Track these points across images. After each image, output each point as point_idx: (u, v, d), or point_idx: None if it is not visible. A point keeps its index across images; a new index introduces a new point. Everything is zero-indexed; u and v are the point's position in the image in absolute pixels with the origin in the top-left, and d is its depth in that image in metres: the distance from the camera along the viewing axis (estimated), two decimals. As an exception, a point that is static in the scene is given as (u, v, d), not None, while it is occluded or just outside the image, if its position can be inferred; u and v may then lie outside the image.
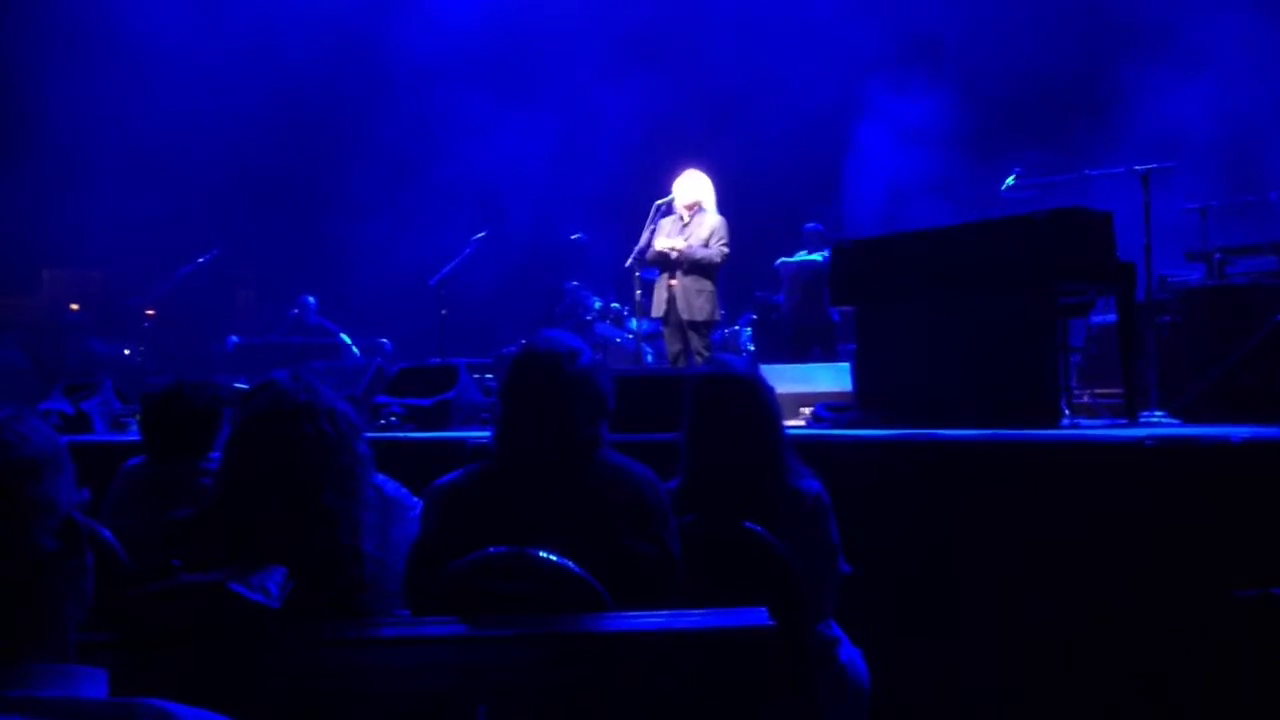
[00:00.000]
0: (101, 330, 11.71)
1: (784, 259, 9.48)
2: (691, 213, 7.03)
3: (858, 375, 5.39)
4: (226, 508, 2.08)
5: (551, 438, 2.33)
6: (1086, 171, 6.07)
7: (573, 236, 9.89)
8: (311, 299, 10.94)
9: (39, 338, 11.47)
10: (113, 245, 11.80)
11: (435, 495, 2.40)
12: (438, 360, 7.57)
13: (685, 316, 6.94)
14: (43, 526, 1.17)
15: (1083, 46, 9.63)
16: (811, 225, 9.59)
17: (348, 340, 10.75)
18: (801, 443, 3.03)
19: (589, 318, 9.70)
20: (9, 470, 1.16)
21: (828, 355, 8.87)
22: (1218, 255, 6.69)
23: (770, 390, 2.90)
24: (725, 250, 6.93)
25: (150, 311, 10.30)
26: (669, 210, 7.15)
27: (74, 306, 12.57)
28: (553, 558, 2.09)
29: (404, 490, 2.77)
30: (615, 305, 9.81)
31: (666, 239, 6.99)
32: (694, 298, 6.92)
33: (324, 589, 1.98)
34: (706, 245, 6.92)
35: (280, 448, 2.05)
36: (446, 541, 2.25)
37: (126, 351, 11.12)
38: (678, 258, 6.91)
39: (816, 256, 9.19)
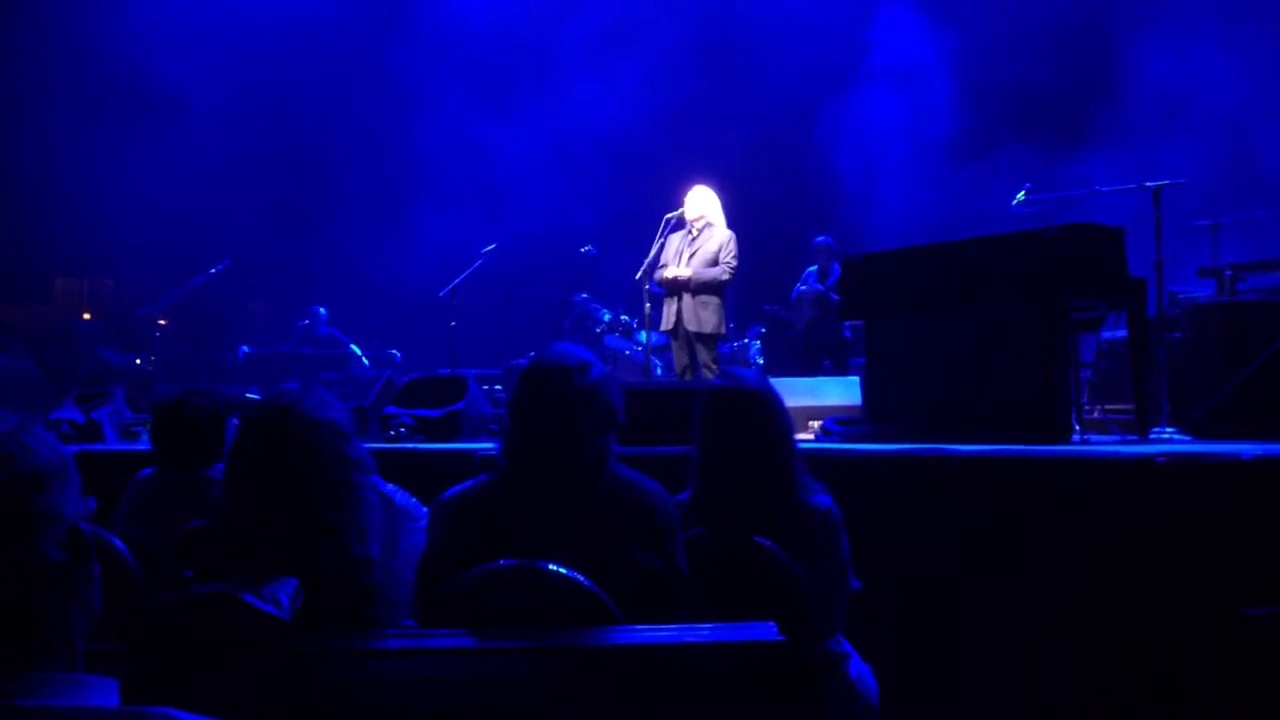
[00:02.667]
0: (113, 340, 11.76)
1: (800, 289, 9.48)
2: (699, 227, 7.04)
3: (867, 389, 5.38)
4: (234, 519, 2.08)
5: (560, 451, 2.32)
6: (1097, 187, 6.05)
7: (583, 249, 9.90)
8: (322, 310, 10.99)
9: (51, 346, 11.52)
10: (125, 255, 11.87)
11: (443, 507, 2.40)
12: (447, 371, 7.59)
13: (692, 329, 6.94)
14: (49, 538, 1.18)
15: (1088, 52, 9.63)
16: (822, 239, 9.59)
17: (358, 351, 10.79)
18: (810, 456, 3.02)
19: (598, 330, 9.72)
20: (15, 482, 1.17)
21: (838, 369, 8.84)
22: (1229, 272, 6.67)
23: (782, 405, 2.90)
24: (733, 265, 6.93)
25: (162, 321, 10.34)
26: (679, 224, 7.15)
27: (86, 316, 12.62)
28: (562, 571, 2.08)
29: (413, 500, 2.77)
30: (625, 318, 9.82)
31: (672, 269, 7.01)
32: (701, 311, 6.93)
33: (333, 599, 1.98)
34: (715, 261, 6.93)
35: (269, 460, 2.05)
36: (454, 553, 2.24)
37: (138, 361, 11.17)
38: (685, 282, 6.93)
39: (820, 287, 9.19)
